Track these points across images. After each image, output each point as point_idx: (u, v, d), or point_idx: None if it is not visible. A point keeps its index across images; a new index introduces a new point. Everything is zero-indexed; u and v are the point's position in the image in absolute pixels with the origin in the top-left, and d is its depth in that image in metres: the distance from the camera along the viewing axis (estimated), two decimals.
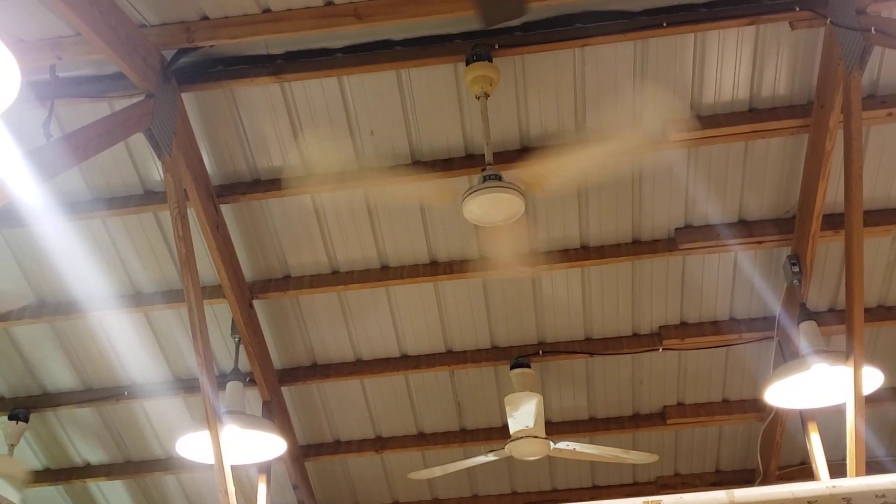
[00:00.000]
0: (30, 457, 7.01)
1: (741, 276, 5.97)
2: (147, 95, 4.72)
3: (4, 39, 2.95)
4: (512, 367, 6.23)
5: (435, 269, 5.95)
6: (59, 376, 6.57)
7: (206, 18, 4.73)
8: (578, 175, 4.62)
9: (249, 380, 6.10)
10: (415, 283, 6.00)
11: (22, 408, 6.55)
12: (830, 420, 5.79)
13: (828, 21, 4.69)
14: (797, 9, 4.74)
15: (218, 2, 4.65)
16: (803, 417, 5.89)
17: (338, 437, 7.00)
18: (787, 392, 5.42)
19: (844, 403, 4.87)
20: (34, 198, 4.79)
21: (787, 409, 5.89)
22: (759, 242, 5.71)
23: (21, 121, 4.70)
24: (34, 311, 6.11)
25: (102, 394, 6.59)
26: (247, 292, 5.93)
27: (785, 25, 4.88)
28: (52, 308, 6.10)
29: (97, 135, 4.32)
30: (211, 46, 4.89)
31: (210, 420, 5.06)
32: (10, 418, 6.51)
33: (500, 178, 4.49)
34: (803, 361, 5.17)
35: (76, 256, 5.73)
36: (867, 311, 5.48)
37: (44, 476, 7.13)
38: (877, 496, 2.52)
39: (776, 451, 6.46)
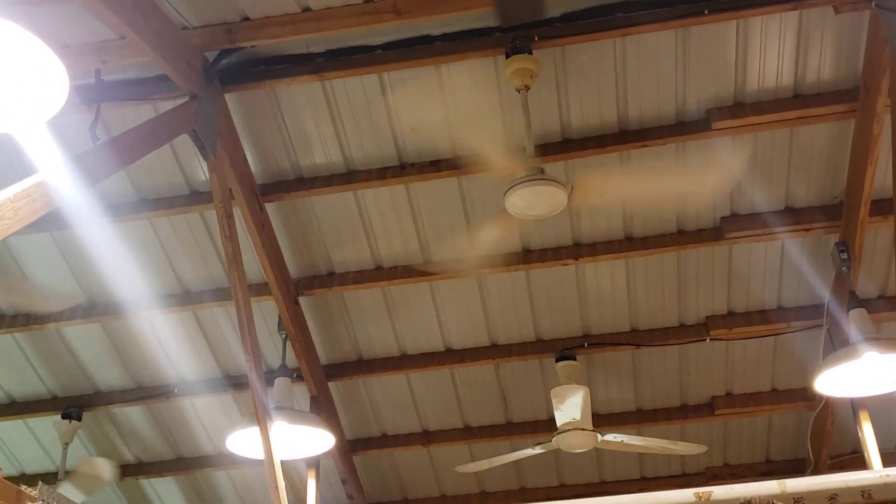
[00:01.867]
0: (83, 455, 7.12)
1: (789, 264, 5.90)
2: (191, 97, 4.77)
3: (51, 45, 3.00)
4: (557, 360, 6.20)
5: (479, 262, 5.93)
6: (111, 375, 6.67)
7: (247, 19, 4.77)
8: (626, 196, 4.63)
9: (297, 375, 6.14)
10: (458, 277, 6.00)
11: (75, 407, 6.66)
12: (882, 408, 5.73)
13: (873, 4, 4.61)
14: None
15: (258, 2, 4.68)
16: (854, 406, 5.82)
17: (385, 432, 7.03)
18: (837, 381, 5.35)
19: None
20: (82, 201, 4.86)
21: (837, 397, 5.82)
22: (807, 230, 5.64)
23: (68, 125, 4.78)
24: (85, 312, 6.21)
25: (153, 392, 6.68)
26: (292, 289, 5.98)
27: (829, 9, 4.80)
28: (102, 308, 6.19)
29: (143, 137, 4.38)
30: (252, 47, 4.92)
31: (259, 416, 5.12)
32: (63, 417, 6.61)
33: (542, 171, 4.48)
34: (854, 349, 5.10)
35: (124, 257, 5.80)
36: None
37: None
38: None
39: (827, 440, 6.38)
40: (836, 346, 5.62)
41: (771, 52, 5.03)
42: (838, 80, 5.13)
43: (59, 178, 3.67)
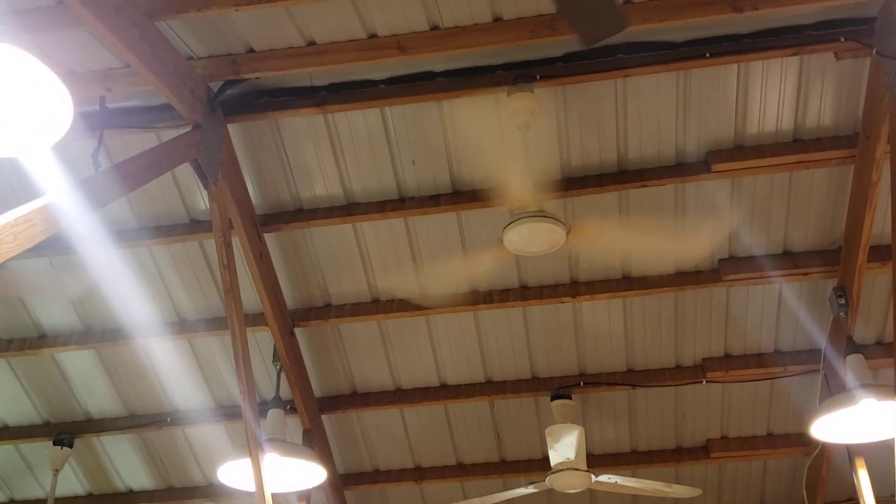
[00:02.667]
0: (73, 482, 7.08)
1: (786, 308, 5.90)
2: (194, 126, 4.79)
3: (56, 72, 3.02)
4: (552, 399, 6.18)
5: (475, 297, 5.94)
6: (104, 402, 6.64)
7: (251, 51, 4.81)
8: (623, 246, 4.65)
9: (290, 408, 6.11)
10: (455, 312, 5.99)
11: (66, 433, 6.62)
12: (878, 455, 5.69)
13: (874, 51, 4.65)
14: (842, 39, 4.70)
15: (264, 35, 4.72)
16: (850, 452, 5.79)
17: (377, 466, 6.99)
18: (833, 426, 5.34)
19: (893, 438, 4.79)
20: (83, 227, 4.86)
21: (833, 443, 5.79)
22: (805, 274, 5.64)
23: (71, 151, 4.80)
24: (80, 338, 6.20)
25: (145, 420, 6.65)
26: (289, 320, 5.97)
27: (830, 56, 4.85)
28: (98, 335, 6.19)
29: (145, 165, 4.39)
30: (256, 78, 4.96)
31: (251, 447, 5.08)
32: (54, 443, 6.58)
33: (541, 208, 4.49)
34: (850, 395, 5.09)
35: (122, 284, 5.81)
36: None
37: (86, 502, 7.18)
38: None
39: (822, 486, 6.35)
40: (833, 391, 5.61)
41: (771, 97, 5.07)
42: (838, 125, 5.16)
43: (60, 203, 3.67)
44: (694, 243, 4.76)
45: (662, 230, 4.78)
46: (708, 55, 4.80)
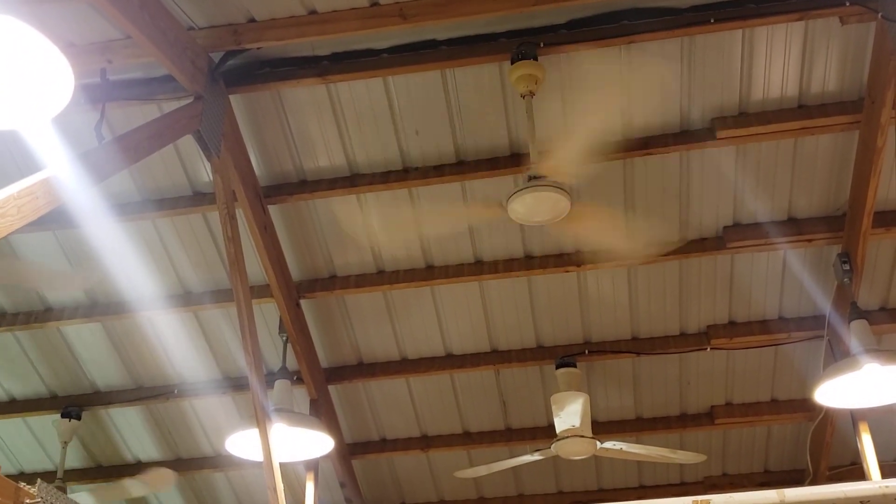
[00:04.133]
0: (82, 454, 7.13)
1: (790, 275, 5.89)
2: (195, 97, 4.77)
3: (57, 44, 3.00)
4: (557, 367, 6.21)
5: (480, 268, 5.95)
6: (111, 375, 6.68)
7: (252, 21, 4.78)
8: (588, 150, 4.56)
9: (297, 378, 6.14)
10: (460, 282, 6.00)
11: (74, 406, 6.66)
12: (882, 420, 5.72)
13: (879, 16, 4.61)
14: (847, 3, 4.66)
15: (265, 4, 4.69)
16: (854, 417, 5.81)
17: (384, 436, 7.03)
18: (837, 392, 5.35)
19: None
20: (86, 200, 4.86)
21: (837, 408, 5.81)
22: (809, 240, 5.63)
23: (72, 123, 4.78)
24: (86, 311, 6.22)
25: (153, 392, 6.69)
26: (294, 292, 5.98)
27: (835, 20, 4.81)
28: (104, 308, 6.20)
29: (147, 137, 4.38)
30: (258, 48, 4.93)
31: (259, 418, 5.12)
32: (62, 416, 6.62)
33: (545, 177, 4.48)
34: (854, 361, 5.10)
35: (127, 257, 5.81)
36: None
37: (95, 473, 7.24)
38: None
39: (826, 451, 6.37)
40: (837, 357, 5.62)
41: (776, 63, 5.03)
42: (843, 91, 5.13)
43: (63, 176, 3.67)
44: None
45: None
46: (712, 21, 4.76)
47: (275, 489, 5.17)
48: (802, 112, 5.18)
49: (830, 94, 5.15)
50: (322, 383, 6.39)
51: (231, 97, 5.12)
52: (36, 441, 7.13)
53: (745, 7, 4.76)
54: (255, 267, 5.66)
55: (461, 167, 5.48)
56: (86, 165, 3.85)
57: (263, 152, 5.52)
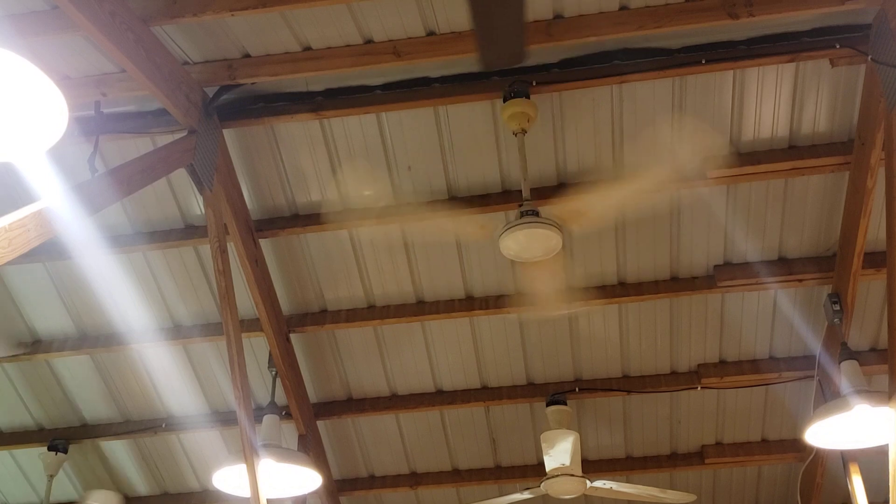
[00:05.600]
0: (68, 488, 7.06)
1: (781, 315, 5.90)
2: (189, 131, 4.79)
3: (52, 76, 3.01)
4: (548, 404, 6.19)
5: (471, 304, 5.94)
6: (99, 408, 6.63)
7: (247, 56, 4.81)
8: (613, 210, 4.63)
9: (285, 413, 6.11)
10: (451, 318, 5.99)
11: (61, 439, 6.61)
12: (873, 461, 5.69)
13: (868, 58, 4.66)
14: (837, 46, 4.72)
15: (259, 40, 4.72)
16: (845, 458, 5.79)
17: (372, 472, 6.98)
18: (828, 432, 5.34)
19: (887, 444, 4.79)
20: (78, 231, 4.86)
21: (828, 449, 5.79)
22: (800, 280, 5.65)
23: (66, 156, 4.79)
24: (75, 343, 6.18)
25: (140, 426, 6.64)
26: (284, 326, 5.96)
27: (825, 62, 4.86)
28: (93, 340, 6.17)
29: (140, 170, 4.38)
30: (252, 84, 4.96)
31: (247, 453, 5.08)
32: (49, 449, 6.56)
33: (537, 214, 4.49)
34: (845, 401, 5.09)
35: (117, 289, 5.80)
36: None
37: None
38: None
39: (817, 492, 6.35)
40: (828, 397, 5.61)
41: (767, 103, 5.08)
42: (833, 132, 5.17)
43: (55, 208, 3.67)
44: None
45: (646, 176, 4.67)
46: (704, 62, 4.81)
47: None
48: (793, 153, 5.21)
49: (821, 135, 5.19)
50: (311, 419, 6.35)
51: (225, 131, 5.13)
52: (22, 474, 7.06)
53: (736, 48, 4.82)
54: (246, 300, 5.65)
55: (453, 203, 5.49)
56: (79, 198, 3.85)
57: (256, 186, 5.53)
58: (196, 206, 5.56)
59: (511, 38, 3.02)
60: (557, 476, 5.65)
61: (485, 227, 4.69)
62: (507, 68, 4.72)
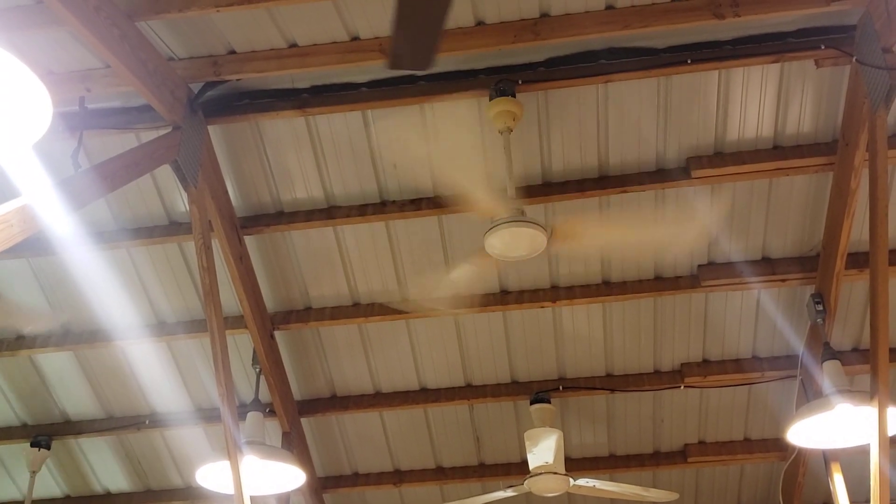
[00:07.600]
0: (51, 484, 7.03)
1: (764, 314, 5.93)
2: (174, 127, 4.77)
3: (36, 71, 2.99)
4: (532, 403, 6.20)
5: (455, 302, 5.93)
6: (82, 404, 6.60)
7: (233, 52, 4.80)
8: (604, 243, 4.67)
9: (269, 410, 6.10)
10: (435, 316, 5.99)
11: (44, 435, 6.58)
12: (854, 461, 5.74)
13: (853, 59, 4.69)
14: (822, 47, 4.74)
15: (245, 36, 4.71)
16: (826, 458, 5.82)
17: (356, 470, 6.98)
18: (810, 432, 5.36)
19: (868, 444, 4.82)
20: (61, 227, 4.83)
21: (809, 448, 5.82)
22: (783, 280, 5.68)
23: (50, 151, 4.77)
24: (58, 339, 6.15)
25: (124, 422, 6.61)
26: (268, 323, 5.95)
27: (810, 63, 4.88)
28: (76, 336, 6.14)
29: (124, 166, 4.37)
30: (237, 80, 4.95)
31: (230, 450, 5.07)
32: (32, 445, 6.53)
33: (522, 213, 4.50)
34: (827, 401, 5.11)
35: (101, 285, 5.77)
36: (892, 350, 5.44)
37: None
38: None
39: (798, 491, 6.38)
40: (810, 397, 5.65)
41: (752, 103, 5.10)
42: (817, 132, 5.20)
43: (38, 204, 3.65)
44: (675, 237, 4.79)
45: (643, 226, 4.77)
46: (689, 62, 4.83)
47: None
48: (777, 153, 5.24)
49: (805, 135, 5.21)
50: (295, 416, 6.34)
51: (210, 128, 5.12)
52: (4, 470, 7.02)
53: (721, 49, 4.83)
54: (230, 298, 5.63)
55: (438, 201, 5.49)
56: (62, 194, 3.83)
57: (241, 183, 5.51)
58: (180, 202, 5.54)
59: (425, 43, 3.04)
60: (541, 474, 5.65)
61: (480, 262, 4.68)
62: (412, 72, 4.74)
